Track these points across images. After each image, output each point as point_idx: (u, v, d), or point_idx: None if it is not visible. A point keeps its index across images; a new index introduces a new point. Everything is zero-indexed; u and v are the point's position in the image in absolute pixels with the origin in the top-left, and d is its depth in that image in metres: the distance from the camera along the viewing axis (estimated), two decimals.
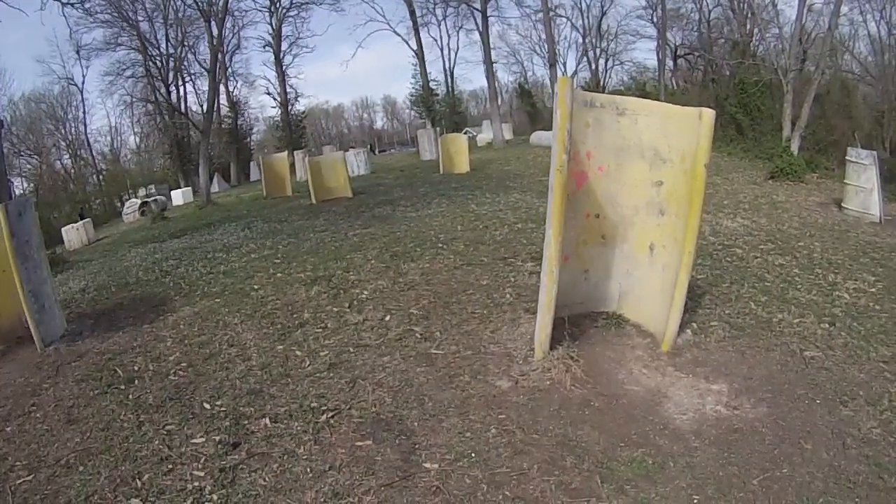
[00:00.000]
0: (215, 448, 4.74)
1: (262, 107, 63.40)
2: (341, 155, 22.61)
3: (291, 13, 48.99)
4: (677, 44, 41.98)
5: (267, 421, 5.06)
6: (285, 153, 26.07)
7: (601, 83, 48.52)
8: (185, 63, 41.62)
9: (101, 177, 49.11)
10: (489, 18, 39.74)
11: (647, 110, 5.89)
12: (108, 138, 52.03)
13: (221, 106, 47.67)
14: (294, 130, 51.01)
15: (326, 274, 8.93)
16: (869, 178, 14.12)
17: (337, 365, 5.99)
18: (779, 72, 25.09)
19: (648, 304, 6.32)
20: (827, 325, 6.75)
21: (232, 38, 46.65)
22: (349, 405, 5.24)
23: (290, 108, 51.27)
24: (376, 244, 10.74)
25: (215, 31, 29.88)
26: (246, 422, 5.08)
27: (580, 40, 50.25)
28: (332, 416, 5.07)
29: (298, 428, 4.93)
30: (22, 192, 43.58)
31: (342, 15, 54.57)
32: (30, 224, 7.79)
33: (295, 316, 7.32)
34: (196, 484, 4.32)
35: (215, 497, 4.15)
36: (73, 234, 22.85)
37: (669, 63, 42.33)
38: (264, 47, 49.85)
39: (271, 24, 48.74)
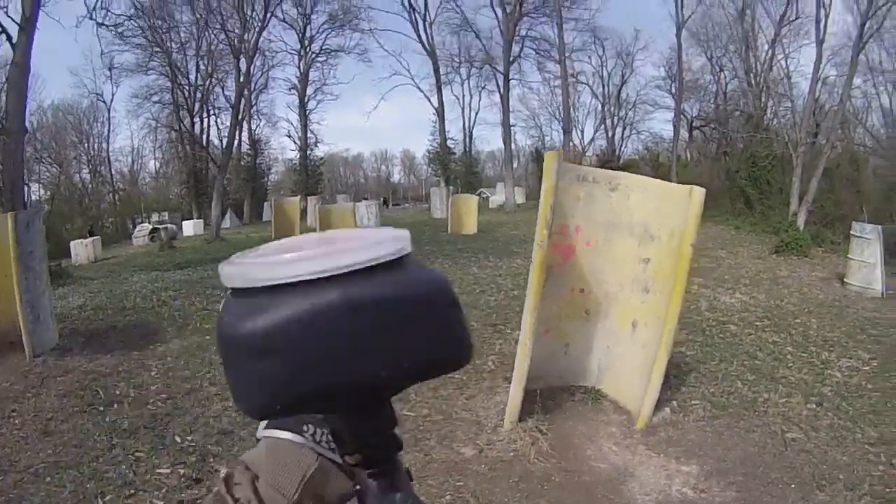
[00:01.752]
0: (178, 480, 4.89)
1: (283, 148, 64.27)
2: (351, 206, 22.94)
3: (320, 59, 49.81)
4: (693, 115, 42.18)
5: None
6: (297, 197, 26.46)
7: (617, 151, 48.66)
8: (212, 96, 42.16)
9: (116, 196, 49.51)
10: (510, 81, 40.55)
11: (640, 186, 5.97)
12: (129, 159, 52.44)
13: (242, 143, 48.43)
14: (311, 175, 51.24)
15: None
16: (872, 253, 13.97)
17: None
18: (789, 145, 25.35)
19: (627, 380, 6.31)
20: (814, 406, 6.70)
21: (260, 77, 47.38)
22: None
23: (309, 152, 51.72)
24: None
25: (243, 69, 30.51)
26: (212, 459, 5.22)
27: (599, 108, 50.69)
28: None
29: None
30: (38, 198, 44.35)
31: (369, 66, 55.43)
32: (36, 235, 8.08)
33: None
34: None
35: None
36: (82, 250, 23.12)
37: (685, 134, 42.47)
38: (290, 90, 50.56)
39: (299, 68, 49.49)
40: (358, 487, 0.69)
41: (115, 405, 6.40)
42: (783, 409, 6.59)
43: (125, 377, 7.21)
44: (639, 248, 5.92)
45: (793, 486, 5.07)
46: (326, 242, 0.58)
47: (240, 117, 45.35)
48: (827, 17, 25.27)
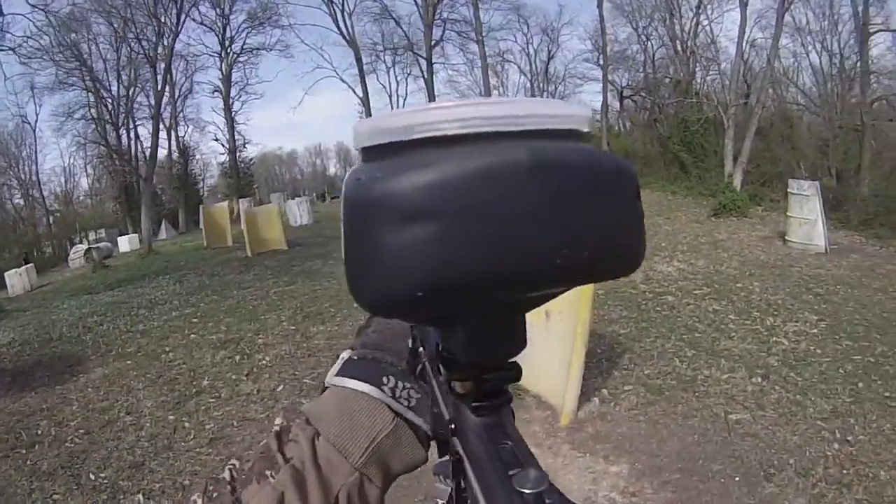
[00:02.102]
0: None
1: (214, 153, 63.65)
2: (275, 206, 22.89)
3: (241, 58, 49.43)
4: (623, 85, 42.56)
5: (140, 497, 5.33)
6: (225, 203, 26.39)
7: None
8: (136, 107, 41.54)
9: (51, 218, 48.73)
10: (435, 65, 41.46)
11: None
12: (62, 179, 51.51)
13: (172, 151, 48.13)
14: (242, 177, 51.12)
15: (237, 336, 9.33)
16: (812, 209, 13.87)
17: (218, 440, 6.11)
18: (720, 108, 25.85)
19: (548, 374, 5.92)
20: (759, 380, 6.38)
21: (185, 82, 47.13)
22: None
23: (238, 153, 51.45)
24: (293, 303, 11.13)
25: (159, 76, 30.27)
26: (122, 497, 5.38)
27: (528, 85, 50.83)
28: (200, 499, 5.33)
29: None
30: None
31: (291, 62, 54.63)
32: None
33: (195, 383, 7.66)
34: None
35: None
36: (16, 280, 22.65)
37: (616, 105, 43.02)
38: (213, 92, 50.06)
39: (221, 70, 49.02)
40: (454, 425, 0.56)
41: (37, 446, 6.55)
42: (726, 387, 6.30)
43: (47, 415, 7.35)
44: None
45: (737, 478, 4.71)
46: (502, 99, 0.44)
47: (166, 125, 44.82)
48: None
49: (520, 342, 0.53)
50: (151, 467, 5.75)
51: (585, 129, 0.47)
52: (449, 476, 0.58)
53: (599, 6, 36.20)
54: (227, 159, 51.84)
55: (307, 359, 8.18)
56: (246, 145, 52.74)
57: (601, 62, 40.43)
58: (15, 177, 47.91)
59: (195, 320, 10.69)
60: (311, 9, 56.80)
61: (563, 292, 0.49)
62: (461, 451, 0.55)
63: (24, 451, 6.47)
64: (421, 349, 0.71)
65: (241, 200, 35.07)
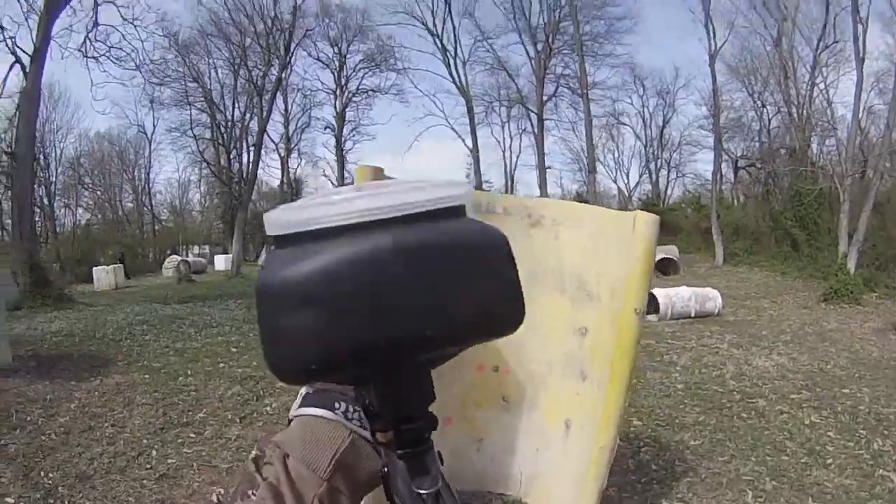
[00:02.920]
0: None
1: (323, 188, 64.52)
2: None
3: (356, 98, 49.88)
4: (738, 154, 39.96)
5: None
6: None
7: (661, 195, 47.17)
8: (248, 132, 42.94)
9: (156, 226, 50.96)
10: (547, 122, 40.68)
11: (573, 219, 4.22)
12: (176, 191, 53.87)
13: (284, 182, 49.57)
14: None
15: (260, 375, 9.00)
16: None
17: (168, 478, 5.76)
18: (835, 178, 24.02)
19: (561, 496, 4.70)
20: None
21: (301, 115, 48.36)
22: None
23: None
24: None
25: (266, 106, 31.69)
26: (51, 502, 5.27)
27: (642, 151, 49.09)
28: None
29: None
30: (77, 221, 46.72)
31: (405, 106, 54.73)
32: None
33: (190, 413, 7.51)
34: None
35: None
36: (103, 276, 23.80)
37: (731, 175, 40.63)
38: (325, 129, 50.65)
39: (335, 107, 49.65)
40: (385, 469, 0.66)
41: (17, 430, 6.67)
42: None
43: (44, 405, 7.46)
44: (573, 310, 4.17)
45: None
46: (379, 186, 0.54)
47: (280, 155, 46.91)
48: (865, 32, 24.43)
49: (427, 396, 0.60)
50: (94, 484, 5.59)
51: (455, 205, 0.54)
52: None
53: (711, 66, 34.11)
54: None
55: None
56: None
57: (714, 128, 39.16)
58: (129, 181, 50.58)
59: (234, 350, 10.67)
60: (427, 55, 57.58)
61: (455, 352, 0.58)
62: (392, 495, 0.65)
63: (4, 431, 6.62)
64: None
65: None
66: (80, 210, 48.05)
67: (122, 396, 7.94)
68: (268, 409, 7.79)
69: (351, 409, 0.83)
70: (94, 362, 9.45)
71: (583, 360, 4.21)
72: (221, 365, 9.66)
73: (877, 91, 28.80)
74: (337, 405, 0.84)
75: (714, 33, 33.07)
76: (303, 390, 0.90)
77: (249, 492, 0.78)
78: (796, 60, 31.29)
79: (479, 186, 45.06)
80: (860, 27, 24.51)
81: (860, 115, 25.65)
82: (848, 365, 10.17)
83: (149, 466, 5.96)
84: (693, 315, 14.01)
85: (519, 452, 4.67)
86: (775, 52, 31.95)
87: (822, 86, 30.17)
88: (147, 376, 8.83)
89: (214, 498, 1.12)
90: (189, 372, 9.15)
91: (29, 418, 7.06)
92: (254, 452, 0.84)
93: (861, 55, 24.41)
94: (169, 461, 6.10)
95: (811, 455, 6.37)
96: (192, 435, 6.84)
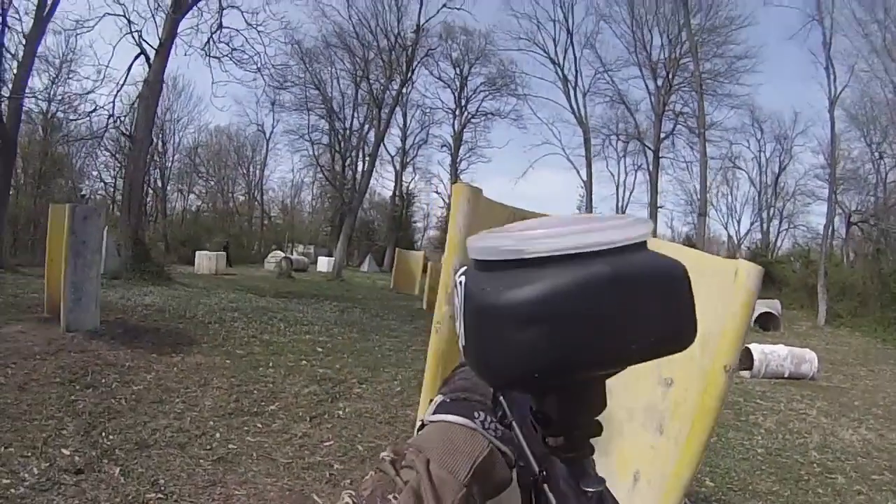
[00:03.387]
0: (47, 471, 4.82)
1: (438, 206, 65.13)
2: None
3: (475, 120, 50.61)
4: (852, 209, 37.02)
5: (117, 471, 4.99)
6: (421, 252, 26.93)
7: (771, 245, 44.68)
8: (365, 142, 43.59)
9: (264, 222, 52.47)
10: (662, 160, 39.95)
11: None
12: (289, 190, 55.42)
13: (396, 194, 50.66)
14: None
15: (341, 378, 8.89)
16: None
17: (224, 462, 5.54)
18: None
19: None
20: None
21: (420, 131, 49.69)
22: (179, 499, 4.78)
23: None
24: (422, 366, 10.37)
25: (384, 119, 32.12)
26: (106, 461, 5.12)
27: (756, 197, 46.66)
28: (159, 500, 4.72)
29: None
30: (188, 206, 49.06)
31: (523, 132, 54.36)
32: (92, 228, 9.06)
33: (262, 405, 7.28)
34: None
35: None
36: (204, 261, 24.50)
37: (843, 230, 37.60)
38: (441, 147, 51.62)
39: (453, 127, 50.57)
40: (544, 472, 0.73)
41: (90, 389, 6.75)
42: None
43: (121, 371, 7.51)
44: (662, 359, 3.59)
45: None
46: (580, 221, 0.60)
47: (396, 168, 48.20)
48: None
49: (601, 405, 0.67)
50: (150, 454, 5.41)
51: (647, 240, 0.61)
52: None
53: (830, 112, 31.80)
54: (446, 214, 52.65)
55: (381, 425, 7.31)
56: None
57: (829, 178, 37.02)
58: (243, 176, 52.47)
59: (319, 350, 10.55)
60: (547, 83, 57.16)
61: (643, 360, 0.62)
62: (549, 495, 0.70)
63: (77, 388, 6.74)
64: (508, 411, 0.83)
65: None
66: (192, 196, 50.27)
67: (198, 376, 7.87)
68: (340, 412, 7.51)
69: (489, 419, 0.86)
70: (178, 339, 9.49)
71: (663, 413, 3.91)
72: (304, 362, 9.51)
73: None
74: (476, 415, 0.87)
75: (835, 77, 31.13)
76: (437, 398, 0.95)
77: (390, 496, 0.77)
78: None
79: None
80: None
81: None
82: None
83: (209, 447, 5.80)
84: (786, 375, 13.14)
85: None
86: None
87: None
88: (228, 361, 8.78)
89: (348, 500, 0.91)
90: (270, 364, 9.04)
91: (104, 381, 7.09)
92: (389, 454, 0.83)
93: None
94: (230, 446, 5.92)
95: None
96: (259, 425, 6.64)
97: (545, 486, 0.71)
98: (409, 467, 0.79)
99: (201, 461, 5.43)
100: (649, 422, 3.97)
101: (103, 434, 5.66)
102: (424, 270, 23.12)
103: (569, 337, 0.55)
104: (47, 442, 5.27)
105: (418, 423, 0.93)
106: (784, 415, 10.32)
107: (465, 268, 0.66)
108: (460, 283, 0.64)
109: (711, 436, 3.28)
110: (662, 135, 40.76)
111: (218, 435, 6.09)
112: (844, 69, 31.54)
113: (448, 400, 0.92)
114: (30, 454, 5.00)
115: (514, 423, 0.81)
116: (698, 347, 3.36)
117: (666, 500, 3.72)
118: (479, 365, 0.62)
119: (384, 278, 30.86)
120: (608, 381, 0.68)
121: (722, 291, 3.37)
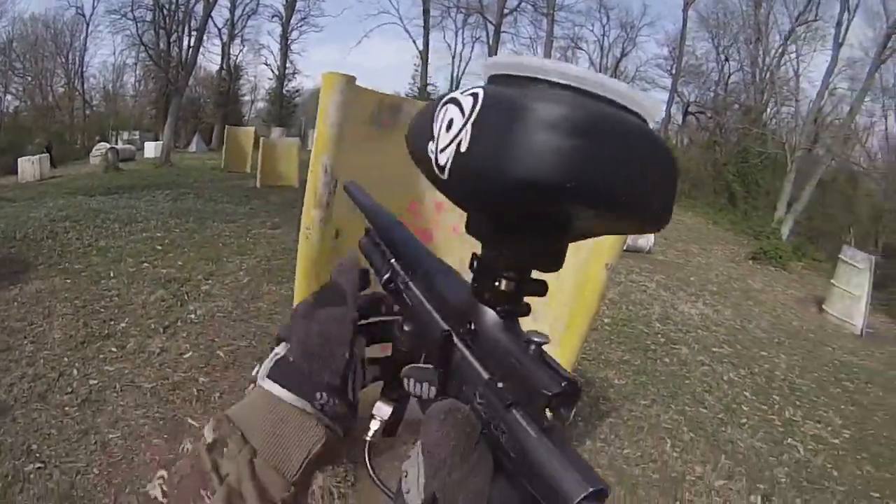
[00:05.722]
0: None
1: (265, 78, 62.54)
2: (297, 141, 22.45)
3: None
4: (690, 100, 40.61)
5: None
6: (252, 128, 26.02)
7: None
8: (193, 16, 40.74)
9: (86, 112, 47.86)
10: (502, 35, 40.40)
11: None
12: (111, 74, 50.91)
13: (223, 68, 47.58)
14: (285, 107, 49.78)
15: (186, 277, 8.80)
16: (860, 284, 12.84)
17: (91, 402, 5.42)
18: (786, 147, 24.90)
19: None
20: (758, 501, 5.11)
21: (250, 1, 46.09)
22: (57, 461, 4.63)
23: (285, 83, 49.98)
24: (263, 251, 10.44)
25: None
26: None
27: None
28: (38, 469, 4.53)
29: None
30: (5, 108, 43.52)
31: (359, 1, 52.16)
32: None
33: (112, 323, 7.08)
34: None
35: None
36: (28, 168, 22.39)
37: (679, 118, 41.44)
38: (272, 17, 48.49)
39: None
40: (469, 324, 0.68)
41: None
42: (716, 501, 5.05)
43: None
44: None
45: None
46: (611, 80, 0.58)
47: (223, 40, 45.40)
48: (850, 20, 25.13)
49: (559, 261, 0.64)
50: (15, 416, 5.14)
51: (651, 117, 0.59)
52: (424, 379, 0.68)
53: (685, 11, 34.98)
54: (275, 86, 50.53)
55: (236, 323, 7.41)
56: (295, 75, 50.92)
57: (673, 71, 39.38)
58: (62, 66, 47.18)
59: (159, 247, 10.18)
60: None
61: (600, 231, 0.64)
62: (464, 350, 0.67)
63: None
64: (401, 273, 0.82)
65: (276, 129, 34.60)
66: (8, 97, 44.67)
67: (41, 307, 7.43)
68: (192, 316, 7.50)
69: (332, 401, 0.76)
70: (13, 267, 8.80)
71: (535, 308, 3.98)
72: (145, 265, 9.24)
73: (844, 76, 29.08)
74: (318, 396, 0.76)
75: None
76: (279, 349, 0.81)
77: (203, 492, 0.69)
78: (771, 25, 32.18)
79: (423, 89, 45.69)
80: (846, 14, 25.32)
81: (824, 95, 26.37)
82: (769, 328, 10.69)
83: (69, 390, 5.60)
84: (623, 248, 13.87)
85: None
86: (753, 12, 32.42)
87: (792, 55, 31.45)
88: (68, 281, 8.33)
89: (157, 491, 0.73)
90: (112, 274, 8.70)
91: None
92: (209, 436, 0.73)
93: (840, 40, 25.29)
94: (91, 382, 5.78)
95: (727, 412, 6.72)
96: (114, 349, 6.49)
97: (466, 339, 0.68)
98: (232, 459, 0.71)
99: (66, 409, 5.31)
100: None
101: None
102: (256, 146, 22.23)
103: (603, 163, 0.54)
104: None
105: (250, 387, 0.80)
106: (626, 286, 11.11)
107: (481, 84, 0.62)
108: (475, 94, 0.60)
109: (590, 329, 3.32)
110: (506, 11, 40.75)
111: (76, 372, 5.93)
112: None
113: (290, 359, 0.78)
114: None
115: (410, 283, 0.79)
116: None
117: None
118: (495, 166, 0.55)
119: (214, 157, 29.42)
120: None
121: None
